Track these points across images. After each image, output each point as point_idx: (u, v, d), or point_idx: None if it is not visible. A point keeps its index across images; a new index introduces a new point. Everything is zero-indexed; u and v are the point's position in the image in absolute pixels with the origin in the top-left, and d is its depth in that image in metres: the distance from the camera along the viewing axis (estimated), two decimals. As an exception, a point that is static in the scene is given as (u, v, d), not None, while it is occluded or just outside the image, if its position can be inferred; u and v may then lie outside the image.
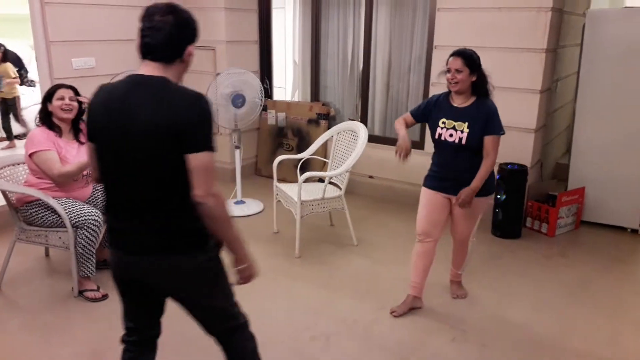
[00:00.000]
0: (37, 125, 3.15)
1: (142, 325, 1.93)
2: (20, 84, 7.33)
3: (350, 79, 5.37)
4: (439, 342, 2.78)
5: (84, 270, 3.08)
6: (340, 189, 3.89)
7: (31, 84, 7.50)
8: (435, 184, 2.96)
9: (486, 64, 4.16)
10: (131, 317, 1.91)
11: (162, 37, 1.60)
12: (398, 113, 5.10)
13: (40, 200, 3.03)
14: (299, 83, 5.95)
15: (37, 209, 3.10)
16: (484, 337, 2.83)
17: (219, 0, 5.00)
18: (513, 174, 4.06)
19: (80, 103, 3.17)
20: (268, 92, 5.57)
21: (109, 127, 1.62)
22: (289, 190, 3.89)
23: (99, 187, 3.31)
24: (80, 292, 3.14)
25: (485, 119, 2.76)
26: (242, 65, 4.80)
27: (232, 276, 1.84)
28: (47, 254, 3.72)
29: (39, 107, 3.21)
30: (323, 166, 4.70)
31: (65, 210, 3.02)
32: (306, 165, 4.56)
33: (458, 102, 2.85)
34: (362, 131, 3.84)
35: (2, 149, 6.95)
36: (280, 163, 4.09)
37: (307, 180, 3.73)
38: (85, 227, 3.04)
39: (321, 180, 4.15)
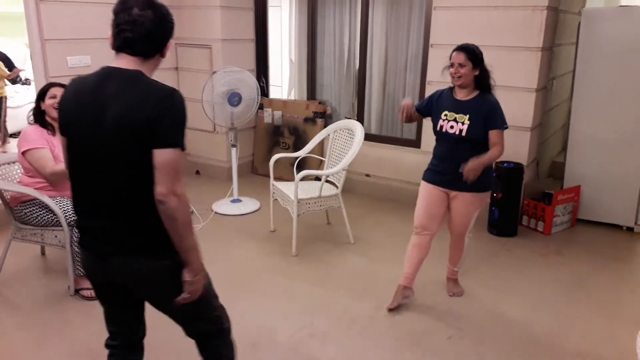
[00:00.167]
0: (30, 124, 3.15)
1: (123, 328, 1.88)
2: (13, 83, 7.22)
3: (347, 77, 5.37)
4: (436, 340, 2.79)
5: (80, 268, 3.07)
6: (337, 187, 3.89)
7: (25, 82, 7.41)
8: (434, 178, 3.00)
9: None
10: (112, 320, 1.87)
11: (143, 32, 1.56)
12: (394, 111, 5.11)
13: (35, 199, 3.02)
14: (295, 81, 5.94)
15: (31, 209, 3.09)
16: (481, 335, 2.84)
17: (215, -1, 4.99)
18: (509, 172, 4.07)
19: None
20: (264, 91, 5.57)
21: (80, 120, 1.58)
22: (286, 188, 3.89)
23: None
24: (77, 291, 3.13)
25: (487, 114, 2.80)
26: (238, 64, 4.79)
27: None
28: (43, 253, 3.71)
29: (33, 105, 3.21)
30: (319, 165, 4.70)
31: (61, 209, 3.01)
32: (303, 164, 4.56)
33: (461, 95, 2.89)
34: (359, 129, 3.84)
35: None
36: (276, 161, 4.09)
37: (303, 179, 3.73)
38: (81, 226, 3.03)
39: (318, 178, 4.15)
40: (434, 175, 3.00)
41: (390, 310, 3.06)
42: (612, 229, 4.27)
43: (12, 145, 6.85)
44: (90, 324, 2.85)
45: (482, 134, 2.80)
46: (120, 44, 1.58)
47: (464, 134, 2.83)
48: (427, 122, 3.32)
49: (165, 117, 1.51)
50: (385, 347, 2.73)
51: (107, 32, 1.62)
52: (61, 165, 3.01)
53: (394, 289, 3.25)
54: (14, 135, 7.07)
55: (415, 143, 4.72)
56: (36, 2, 4.12)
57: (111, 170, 1.56)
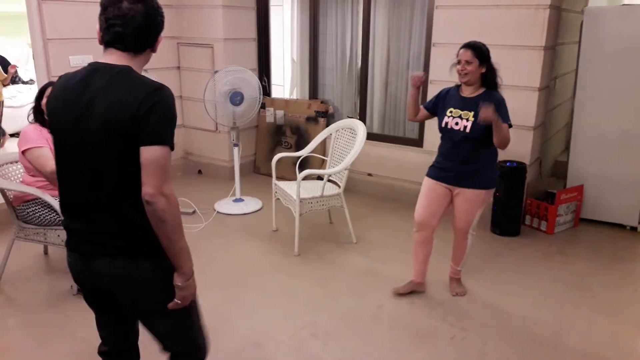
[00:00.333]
0: (30, 123, 3.15)
1: (113, 334, 1.83)
2: (13, 82, 7.14)
3: (349, 77, 5.37)
4: (439, 340, 2.78)
5: None
6: (339, 186, 3.89)
7: (29, 81, 7.38)
8: (437, 174, 3.04)
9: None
10: (101, 325, 1.82)
11: (134, 26, 1.51)
12: (397, 110, 5.10)
13: (38, 199, 3.03)
14: (297, 81, 5.94)
15: (34, 208, 3.09)
16: (484, 335, 2.83)
17: (216, -2, 4.99)
18: (512, 172, 4.06)
19: None
20: (266, 90, 5.57)
21: (66, 117, 1.52)
22: (288, 188, 3.88)
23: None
24: (79, 290, 3.13)
25: (497, 108, 2.76)
26: (240, 63, 4.79)
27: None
28: (45, 252, 3.71)
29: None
30: (322, 164, 4.69)
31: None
32: (305, 163, 4.56)
33: (467, 92, 2.92)
34: (361, 129, 3.84)
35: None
36: (278, 161, 4.09)
37: (305, 178, 3.73)
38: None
39: (320, 178, 4.15)
40: (437, 171, 3.04)
41: (397, 294, 3.18)
42: (616, 228, 4.26)
43: (12, 145, 6.86)
44: (92, 323, 2.82)
45: (486, 131, 2.81)
46: (110, 39, 1.52)
47: (468, 130, 2.84)
48: (430, 122, 3.31)
49: (152, 113, 1.44)
50: (388, 347, 2.73)
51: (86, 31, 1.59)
52: None
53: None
54: (16, 135, 7.09)
55: (418, 142, 4.72)
56: (38, 2, 4.13)
57: (97, 168, 1.50)
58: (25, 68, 8.09)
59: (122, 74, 1.49)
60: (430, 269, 3.46)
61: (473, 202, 2.96)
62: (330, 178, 3.93)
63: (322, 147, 4.83)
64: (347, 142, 4.00)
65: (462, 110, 2.90)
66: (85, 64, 1.56)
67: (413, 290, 3.21)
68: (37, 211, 3.09)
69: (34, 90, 7.15)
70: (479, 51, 2.83)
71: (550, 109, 4.69)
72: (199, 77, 5.19)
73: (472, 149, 2.88)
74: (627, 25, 3.99)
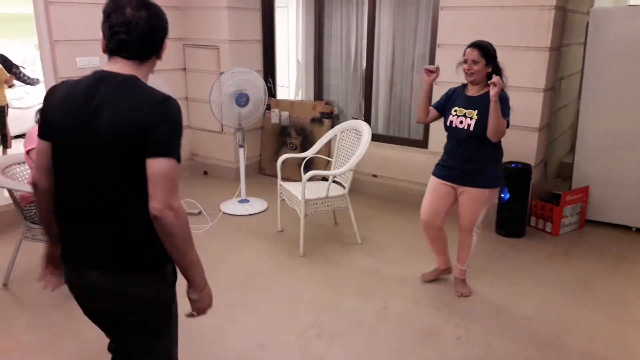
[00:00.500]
0: (36, 123, 3.18)
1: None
2: (18, 79, 7.05)
3: (354, 78, 5.37)
4: (444, 341, 2.79)
5: None
6: (344, 187, 3.90)
7: (34, 81, 7.36)
8: (442, 173, 3.09)
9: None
10: (106, 333, 1.78)
11: (138, 33, 1.48)
12: (401, 112, 5.11)
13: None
14: (302, 82, 5.95)
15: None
16: (488, 335, 2.83)
17: (222, 0, 5.00)
18: (517, 173, 4.06)
19: None
20: (271, 91, 5.58)
21: (69, 126, 1.47)
22: (293, 189, 3.90)
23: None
24: None
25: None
26: (245, 65, 4.81)
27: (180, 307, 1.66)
28: (52, 253, 3.73)
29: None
30: (327, 165, 4.70)
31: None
32: (310, 164, 4.57)
33: (472, 91, 2.95)
34: (366, 130, 3.84)
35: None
36: (284, 162, 4.10)
37: (310, 179, 3.74)
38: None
39: (325, 179, 4.16)
40: (442, 170, 3.09)
41: (425, 280, 3.35)
42: (621, 230, 4.25)
43: (19, 146, 6.89)
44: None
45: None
46: (115, 47, 1.50)
47: (471, 128, 2.87)
48: (435, 123, 3.32)
49: (160, 124, 1.42)
50: (393, 348, 2.73)
51: (92, 33, 1.56)
52: None
53: (401, 289, 3.28)
54: (22, 136, 7.12)
55: (423, 143, 4.72)
56: (45, 4, 4.16)
57: (100, 179, 1.47)
58: (32, 69, 8.14)
59: (128, 83, 1.47)
60: (429, 271, 3.47)
61: (477, 200, 2.99)
62: (335, 179, 3.94)
63: (327, 148, 4.84)
64: (352, 143, 4.01)
65: (466, 109, 2.93)
66: (92, 65, 1.55)
67: (440, 276, 3.37)
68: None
69: (41, 91, 7.18)
70: (485, 51, 2.86)
71: (556, 110, 4.68)
72: (205, 79, 5.21)
73: (476, 148, 2.92)
74: (633, 26, 3.98)
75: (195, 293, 1.58)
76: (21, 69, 6.91)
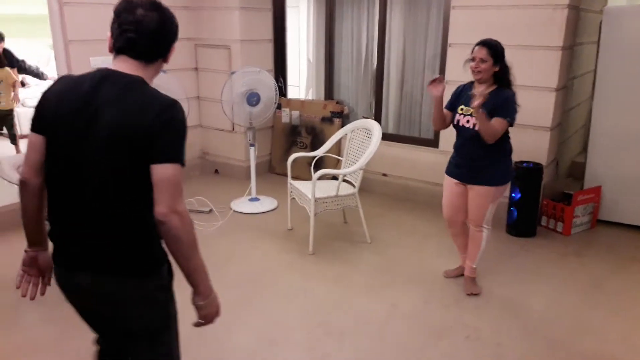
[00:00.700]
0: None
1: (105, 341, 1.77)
2: (26, 72, 7.01)
3: (364, 77, 5.38)
4: (453, 340, 2.78)
5: None
6: (354, 186, 3.90)
7: (41, 74, 7.32)
8: (452, 171, 3.15)
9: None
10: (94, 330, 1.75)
11: (149, 34, 1.46)
12: (412, 111, 5.10)
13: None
14: (312, 81, 5.97)
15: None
16: (498, 335, 2.82)
17: (233, 0, 5.03)
18: (528, 172, 4.04)
19: None
20: (282, 91, 5.60)
21: (68, 124, 1.44)
22: (303, 187, 3.91)
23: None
24: None
25: (497, 105, 2.84)
26: (256, 64, 4.83)
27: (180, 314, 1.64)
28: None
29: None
30: (337, 164, 4.71)
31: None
32: (320, 163, 4.58)
33: (478, 90, 2.91)
34: (376, 129, 3.85)
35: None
36: (294, 161, 4.11)
37: (320, 178, 3.75)
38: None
39: (335, 178, 4.16)
40: (452, 168, 3.15)
41: (447, 277, 3.40)
42: (633, 230, 4.21)
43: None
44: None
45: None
46: (122, 45, 1.48)
47: (477, 127, 2.88)
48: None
49: (166, 129, 1.40)
50: (402, 346, 2.74)
51: (106, 33, 1.51)
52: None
53: (411, 288, 3.28)
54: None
55: (433, 142, 4.71)
56: (60, 4, 4.22)
57: (99, 181, 1.43)
58: (46, 69, 8.23)
59: (134, 85, 1.45)
60: (443, 269, 3.47)
61: (484, 196, 3.02)
62: (345, 178, 3.95)
63: (337, 148, 4.85)
64: (362, 142, 4.01)
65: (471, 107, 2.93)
66: (107, 65, 1.52)
67: (462, 274, 3.36)
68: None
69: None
70: (494, 50, 2.86)
71: (568, 109, 4.64)
72: (216, 78, 5.24)
73: (482, 146, 2.92)
74: (646, 25, 3.94)
75: (201, 300, 1.54)
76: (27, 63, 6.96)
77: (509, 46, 4.09)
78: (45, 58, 8.47)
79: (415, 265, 3.60)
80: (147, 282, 1.54)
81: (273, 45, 5.51)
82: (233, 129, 5.39)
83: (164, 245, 1.51)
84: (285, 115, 5.51)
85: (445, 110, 3.12)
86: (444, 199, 3.23)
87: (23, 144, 6.74)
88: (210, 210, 4.54)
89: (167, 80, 4.08)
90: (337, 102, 5.37)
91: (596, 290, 3.31)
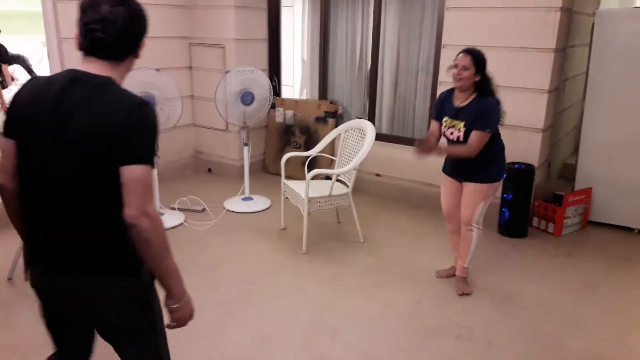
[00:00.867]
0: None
1: (69, 348, 1.73)
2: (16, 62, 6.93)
3: (359, 78, 5.39)
4: (445, 340, 2.80)
5: None
6: (347, 186, 3.92)
7: (32, 74, 7.29)
8: (448, 170, 3.23)
9: (495, 64, 4.16)
10: (56, 342, 1.71)
11: (117, 31, 1.41)
12: (406, 111, 5.13)
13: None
14: (307, 81, 5.98)
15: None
16: (490, 335, 2.85)
17: (228, -1, 5.04)
18: (520, 173, 4.07)
19: None
20: (276, 90, 5.60)
21: (38, 127, 1.41)
22: (297, 187, 3.92)
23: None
24: None
25: (477, 115, 2.91)
26: (251, 63, 4.83)
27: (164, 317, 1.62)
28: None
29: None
30: (330, 164, 4.72)
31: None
32: (313, 163, 4.59)
33: (459, 100, 3.01)
34: (370, 129, 3.86)
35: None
36: (287, 160, 4.12)
37: (314, 178, 3.76)
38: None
39: (328, 177, 4.18)
40: (447, 167, 3.24)
41: (439, 277, 3.41)
42: (624, 231, 4.25)
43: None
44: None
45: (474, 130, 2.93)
46: (90, 45, 1.42)
47: (461, 139, 2.97)
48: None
49: (135, 130, 1.37)
50: (395, 345, 2.75)
51: (74, 31, 1.45)
52: None
53: (404, 287, 3.30)
54: None
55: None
56: (53, 1, 4.20)
57: (70, 184, 1.41)
58: (39, 67, 8.20)
59: (104, 86, 1.41)
60: (436, 268, 3.49)
61: (475, 193, 3.07)
62: (339, 178, 3.96)
63: (331, 147, 4.86)
64: (355, 142, 4.03)
65: (454, 119, 3.02)
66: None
67: (454, 274, 3.37)
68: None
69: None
70: (477, 58, 2.90)
71: (560, 111, 4.68)
72: (210, 77, 5.24)
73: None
74: (639, 27, 3.98)
75: (174, 302, 1.52)
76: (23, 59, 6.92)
77: (502, 48, 4.15)
78: (39, 55, 8.43)
79: (409, 265, 3.61)
80: (127, 281, 1.52)
81: (268, 44, 5.51)
82: (227, 128, 5.39)
83: None
84: (279, 115, 5.52)
85: (434, 124, 3.19)
86: (442, 195, 3.29)
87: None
88: (203, 209, 4.54)
89: (161, 79, 4.08)
90: (331, 102, 5.38)
91: (588, 290, 3.34)
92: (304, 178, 3.79)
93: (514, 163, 4.07)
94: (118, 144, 1.36)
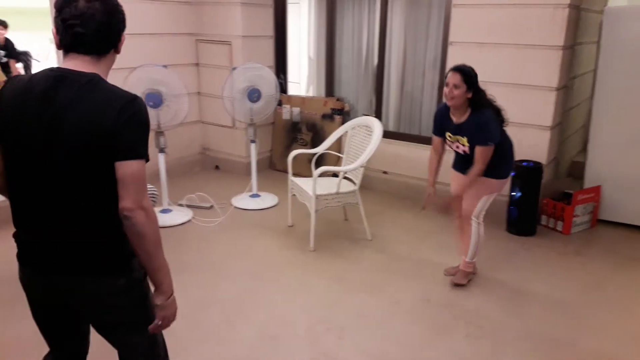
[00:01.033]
0: None
1: (64, 346, 1.73)
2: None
3: (365, 74, 5.38)
4: (453, 338, 2.80)
5: None
6: (354, 184, 3.91)
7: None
8: (458, 167, 3.26)
9: (502, 61, 4.16)
10: (50, 342, 1.72)
11: (95, 26, 1.41)
12: (412, 108, 5.11)
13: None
14: (313, 78, 5.97)
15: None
16: (499, 333, 2.84)
17: (235, -5, 5.03)
18: (528, 172, 4.05)
19: None
20: (283, 87, 5.60)
21: (27, 128, 1.40)
22: (304, 184, 3.92)
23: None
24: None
25: (477, 130, 2.96)
26: (257, 60, 4.83)
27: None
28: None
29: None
30: (337, 161, 4.72)
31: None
32: (320, 160, 4.58)
33: (456, 117, 3.07)
34: (377, 126, 3.85)
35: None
36: (294, 157, 4.12)
37: (321, 175, 3.76)
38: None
39: (335, 175, 4.17)
40: (457, 164, 3.26)
41: (447, 274, 3.38)
42: (634, 229, 4.22)
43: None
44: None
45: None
46: (71, 42, 1.42)
47: (467, 152, 3.03)
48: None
49: (128, 126, 1.39)
50: (402, 343, 2.75)
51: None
52: None
53: (411, 285, 3.29)
54: None
55: (434, 141, 4.72)
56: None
57: (64, 183, 1.42)
58: (46, 64, 8.23)
59: (92, 84, 1.41)
60: (444, 267, 3.48)
61: (482, 185, 3.08)
62: (346, 175, 3.96)
63: (338, 145, 4.85)
64: (362, 139, 4.02)
65: (456, 135, 3.07)
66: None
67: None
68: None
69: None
70: (467, 76, 2.92)
71: (568, 109, 4.66)
72: (217, 74, 5.24)
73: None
74: (648, 25, 3.95)
75: (162, 299, 1.53)
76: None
77: (510, 45, 4.13)
78: (45, 52, 8.46)
79: (416, 263, 3.61)
80: (125, 277, 1.54)
81: (274, 41, 5.51)
82: (234, 125, 5.39)
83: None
84: (286, 112, 5.52)
85: (436, 139, 3.24)
86: (452, 189, 3.31)
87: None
88: (211, 206, 4.54)
89: (168, 75, 4.08)
90: (338, 99, 5.37)
91: (596, 289, 3.33)
92: (311, 175, 3.79)
93: (522, 161, 4.05)
94: (112, 140, 1.37)
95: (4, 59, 6.79)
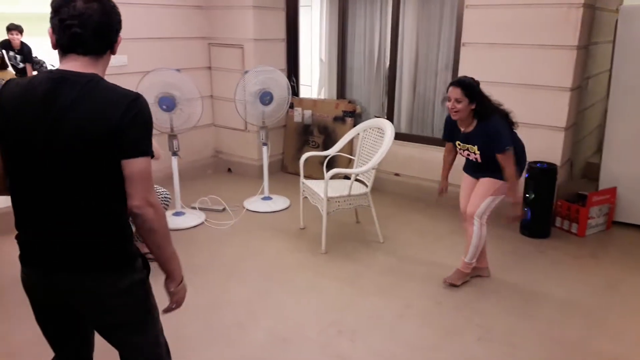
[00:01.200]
0: None
1: (68, 350, 1.74)
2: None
3: (377, 77, 5.37)
4: (465, 341, 2.78)
5: (139, 237, 3.13)
6: (366, 186, 3.91)
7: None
8: (469, 171, 3.27)
9: (516, 61, 4.13)
10: (53, 344, 1.73)
11: (93, 26, 1.42)
12: (425, 110, 5.09)
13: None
14: (325, 81, 5.98)
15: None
16: (511, 336, 2.81)
17: (247, -1, 5.06)
18: (542, 173, 4.01)
19: None
20: (295, 90, 5.61)
21: (29, 129, 1.41)
22: (316, 186, 3.92)
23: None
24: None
25: (489, 140, 2.97)
26: (269, 63, 4.85)
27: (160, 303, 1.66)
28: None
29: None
30: (349, 163, 4.71)
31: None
32: (332, 163, 4.58)
33: (463, 127, 3.08)
34: (389, 128, 3.84)
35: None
36: (306, 160, 4.13)
37: (333, 177, 3.76)
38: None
39: (347, 177, 4.17)
40: (468, 168, 3.27)
41: (446, 282, 3.29)
42: (650, 231, 4.17)
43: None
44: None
45: (494, 154, 2.98)
46: (69, 42, 1.43)
47: (479, 159, 3.05)
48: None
49: (133, 124, 1.40)
50: (414, 346, 2.74)
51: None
52: None
53: (423, 288, 3.27)
54: None
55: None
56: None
57: (64, 183, 1.43)
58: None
59: (92, 84, 1.42)
60: (453, 269, 3.46)
61: (487, 185, 3.09)
62: (358, 177, 3.95)
63: (350, 147, 4.85)
64: (374, 141, 4.01)
65: (466, 144, 3.09)
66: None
67: (477, 275, 3.37)
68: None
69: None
70: (468, 89, 2.92)
71: (583, 109, 4.60)
72: (229, 77, 5.27)
73: (488, 162, 3.06)
74: (664, 24, 3.89)
75: (175, 285, 1.61)
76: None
77: (523, 45, 4.10)
78: (56, 58, 8.55)
79: (428, 266, 3.59)
80: (127, 276, 1.56)
81: (286, 44, 5.53)
82: (246, 128, 5.41)
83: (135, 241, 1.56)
84: (298, 115, 5.53)
85: (448, 144, 3.31)
86: (461, 192, 3.32)
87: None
88: (224, 209, 4.57)
89: (181, 79, 4.12)
90: (350, 102, 5.37)
91: (611, 292, 3.28)
92: (322, 178, 3.79)
93: (535, 162, 4.01)
94: (117, 139, 1.39)
95: (21, 64, 6.91)
